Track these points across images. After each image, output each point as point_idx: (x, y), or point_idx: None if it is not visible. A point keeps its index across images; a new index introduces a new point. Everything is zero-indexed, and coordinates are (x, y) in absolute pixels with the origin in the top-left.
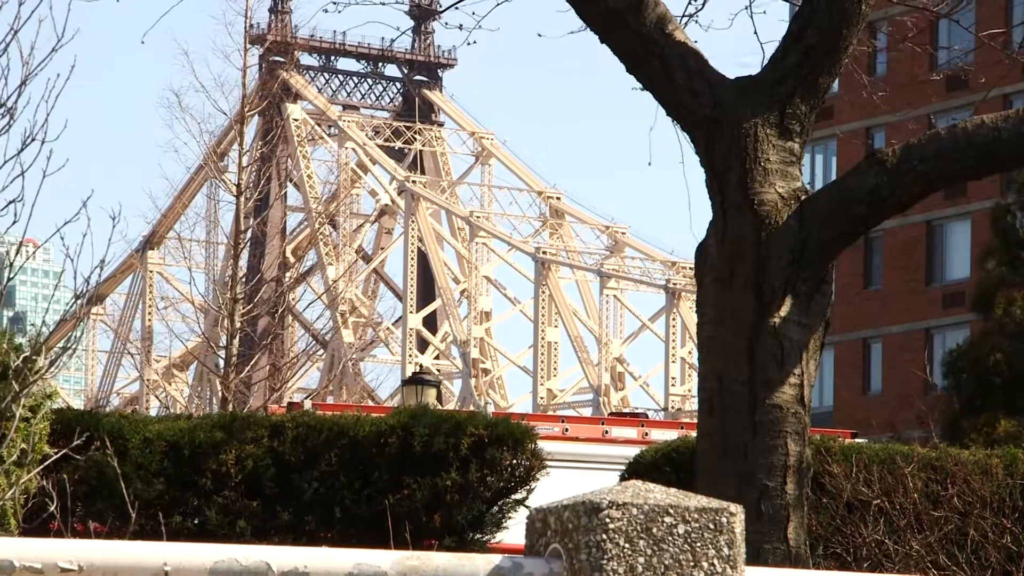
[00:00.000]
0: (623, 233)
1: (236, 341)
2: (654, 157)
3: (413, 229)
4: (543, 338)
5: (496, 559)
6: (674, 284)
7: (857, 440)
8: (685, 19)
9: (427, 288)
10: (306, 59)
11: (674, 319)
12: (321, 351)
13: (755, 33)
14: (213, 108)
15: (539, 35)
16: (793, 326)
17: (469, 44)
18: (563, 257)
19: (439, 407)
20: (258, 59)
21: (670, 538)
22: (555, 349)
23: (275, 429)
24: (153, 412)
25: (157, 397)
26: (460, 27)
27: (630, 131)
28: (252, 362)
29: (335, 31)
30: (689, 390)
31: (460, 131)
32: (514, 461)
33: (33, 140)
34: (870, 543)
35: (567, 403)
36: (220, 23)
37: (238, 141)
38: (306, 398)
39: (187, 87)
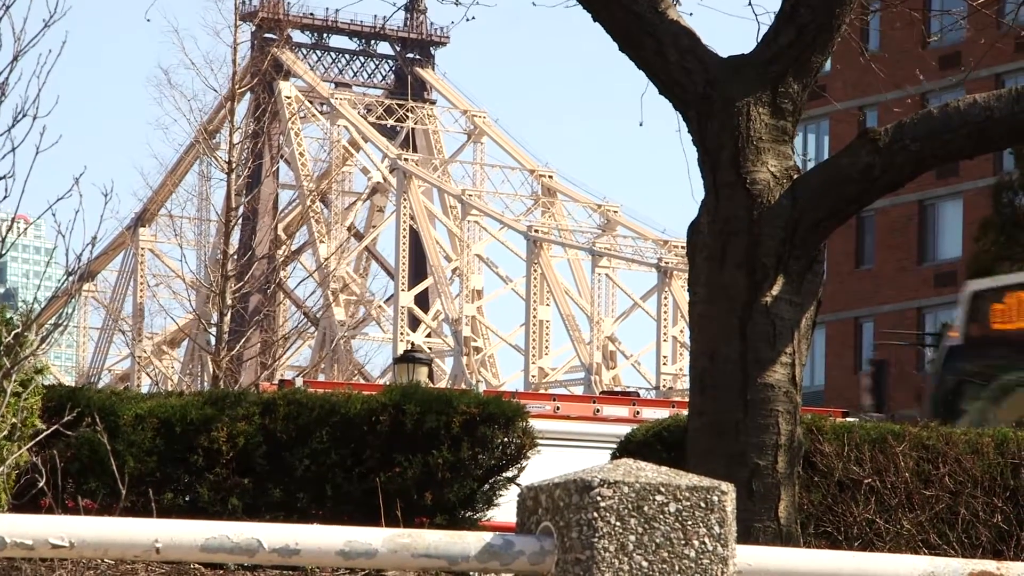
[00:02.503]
0: (615, 212)
1: (227, 318)
2: (647, 139)
3: (405, 207)
4: (535, 316)
5: (487, 537)
6: (666, 263)
7: (848, 419)
8: None
9: (419, 266)
10: (298, 36)
11: (666, 298)
12: (312, 328)
13: (750, 4)
14: (203, 85)
15: (533, 3)
16: (785, 305)
17: (468, 20)
18: (555, 236)
19: (430, 385)
20: (249, 36)
21: (661, 516)
22: (547, 327)
23: (266, 406)
24: (144, 389)
25: (148, 374)
26: (456, 2)
27: (623, 111)
28: (243, 339)
29: (327, 8)
30: (681, 369)
31: (452, 109)
32: (505, 439)
33: (25, 116)
34: (861, 522)
35: (559, 381)
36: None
37: (228, 118)
38: (297, 375)
39: (177, 64)
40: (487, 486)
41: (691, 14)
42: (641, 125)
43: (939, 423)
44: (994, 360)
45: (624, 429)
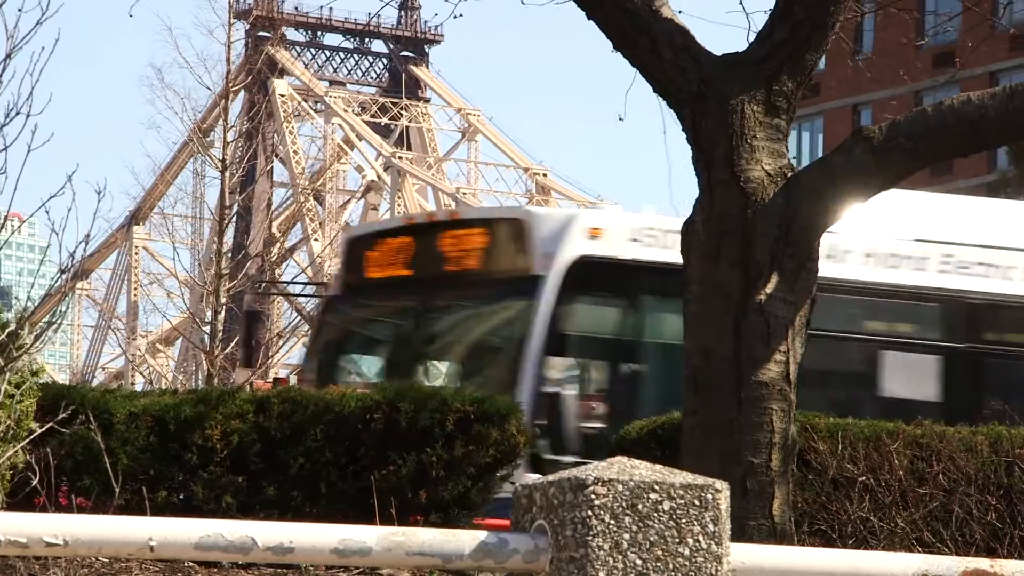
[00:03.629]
0: None
1: (221, 316)
2: (641, 136)
3: (399, 205)
4: None
5: (482, 535)
6: None
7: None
8: None
9: None
10: (292, 34)
11: None
12: (307, 326)
13: (740, 4)
14: (197, 84)
15: (522, 2)
16: (779, 303)
17: (456, 17)
18: None
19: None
20: (244, 34)
21: (655, 514)
22: None
23: (261, 404)
24: (139, 387)
25: (142, 373)
26: None
27: (617, 109)
28: (237, 337)
29: (321, 6)
30: None
31: (447, 107)
32: (500, 437)
33: (18, 114)
34: (855, 520)
35: None
36: None
37: (223, 116)
38: (291, 373)
39: (171, 63)
40: (481, 484)
41: (680, 12)
42: (621, 119)
43: (319, 377)
44: (367, 309)
45: None
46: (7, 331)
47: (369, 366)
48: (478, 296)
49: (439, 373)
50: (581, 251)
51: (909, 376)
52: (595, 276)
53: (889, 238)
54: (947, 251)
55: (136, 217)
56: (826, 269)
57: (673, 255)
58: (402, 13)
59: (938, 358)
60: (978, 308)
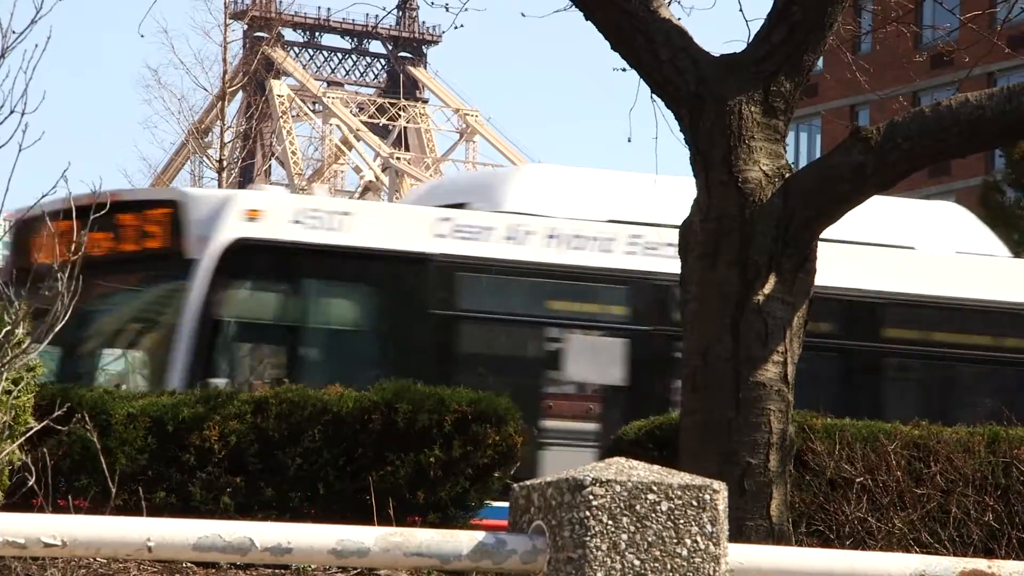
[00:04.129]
0: None
1: None
2: (638, 136)
3: None
4: None
5: (479, 536)
6: None
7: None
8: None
9: None
10: (290, 35)
11: None
12: None
13: (740, 11)
14: (193, 84)
15: (522, 14)
16: (777, 303)
17: (456, 28)
18: None
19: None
20: (241, 35)
21: (653, 515)
22: None
23: (258, 405)
24: None
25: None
26: (446, 8)
27: (616, 110)
28: None
29: (319, 7)
30: None
31: (444, 108)
32: (497, 437)
33: (12, 112)
34: (853, 520)
35: None
36: None
37: (219, 117)
38: None
39: (167, 64)
40: (480, 485)
41: (679, 19)
42: (629, 141)
43: None
44: (34, 298)
45: None
46: (4, 331)
47: (39, 355)
48: (138, 280)
49: (105, 362)
50: (237, 233)
51: (594, 359)
52: (253, 259)
53: (576, 219)
54: (636, 232)
55: None
56: (505, 250)
57: (338, 237)
58: (400, 14)
59: (625, 341)
60: (667, 290)
